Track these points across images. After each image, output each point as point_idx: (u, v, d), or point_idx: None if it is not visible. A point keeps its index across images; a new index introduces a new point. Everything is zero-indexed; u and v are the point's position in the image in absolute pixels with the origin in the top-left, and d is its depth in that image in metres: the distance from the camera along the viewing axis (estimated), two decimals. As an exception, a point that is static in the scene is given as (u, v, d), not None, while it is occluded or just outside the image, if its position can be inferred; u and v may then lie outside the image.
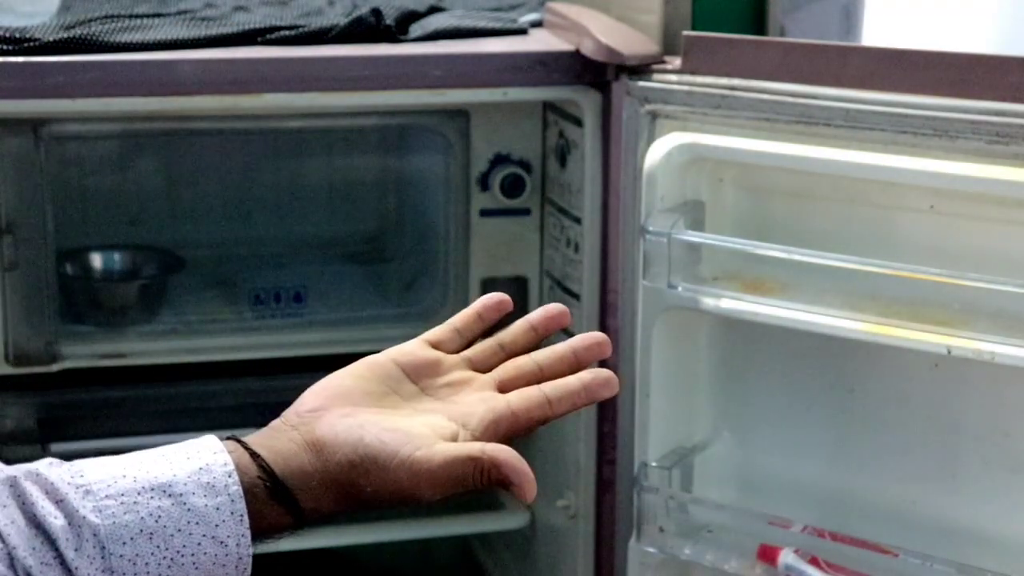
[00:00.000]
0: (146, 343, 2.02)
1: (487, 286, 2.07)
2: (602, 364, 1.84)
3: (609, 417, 1.79)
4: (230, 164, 2.16)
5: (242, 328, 2.08)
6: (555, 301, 1.97)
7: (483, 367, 1.08)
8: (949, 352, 1.37)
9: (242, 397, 2.12)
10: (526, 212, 2.04)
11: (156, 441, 2.26)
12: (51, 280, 1.96)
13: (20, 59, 1.67)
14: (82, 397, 2.05)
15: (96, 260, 2.10)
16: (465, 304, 2.05)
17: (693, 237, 1.53)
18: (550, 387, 1.03)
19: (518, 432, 1.01)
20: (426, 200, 2.14)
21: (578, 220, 1.86)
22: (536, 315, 1.10)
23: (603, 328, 1.79)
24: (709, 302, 1.52)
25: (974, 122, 1.37)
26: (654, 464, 1.59)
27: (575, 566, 1.90)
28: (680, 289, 1.53)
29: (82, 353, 1.98)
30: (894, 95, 1.43)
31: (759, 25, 1.93)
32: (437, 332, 1.10)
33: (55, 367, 1.95)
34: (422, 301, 2.13)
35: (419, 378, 1.06)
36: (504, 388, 1.05)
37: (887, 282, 1.42)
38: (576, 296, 1.89)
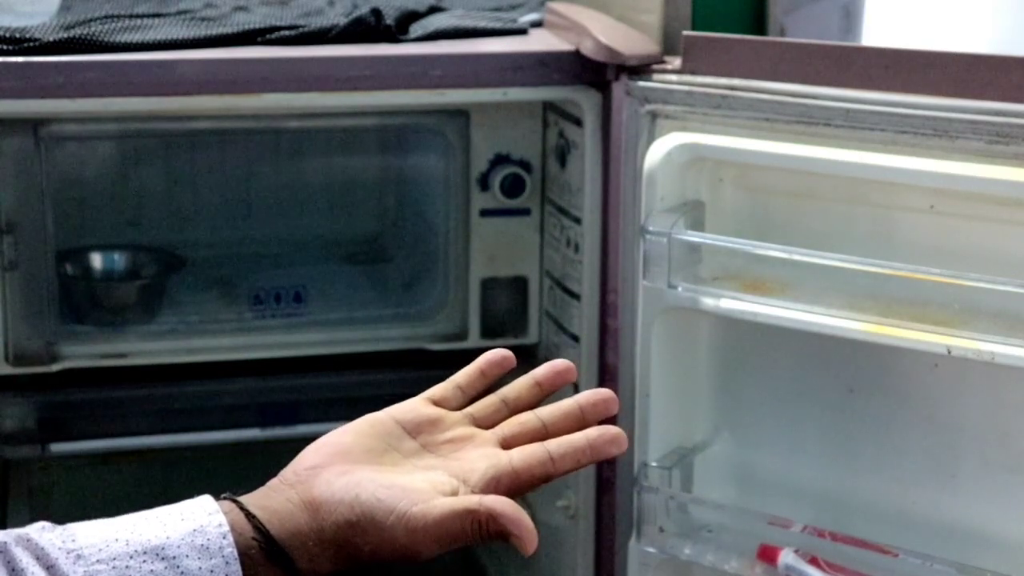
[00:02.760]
0: (146, 343, 2.02)
1: (487, 286, 2.07)
2: (602, 363, 1.85)
3: (609, 418, 1.78)
4: (230, 164, 2.16)
5: (242, 328, 2.08)
6: (555, 300, 1.99)
7: (486, 423, 1.07)
8: (949, 352, 1.37)
9: (242, 397, 2.12)
10: (526, 212, 2.04)
11: (156, 441, 2.25)
12: (51, 280, 1.96)
13: (20, 59, 1.67)
14: (82, 397, 2.05)
15: (96, 260, 2.10)
16: (465, 304, 2.07)
17: (693, 237, 1.53)
18: (554, 444, 1.02)
19: (520, 489, 1.00)
20: (426, 200, 2.14)
21: (578, 220, 1.86)
22: (541, 371, 1.09)
23: (603, 328, 1.79)
24: (709, 302, 1.52)
25: (974, 122, 1.37)
26: (654, 464, 1.59)
27: (575, 566, 1.90)
28: (680, 289, 1.53)
29: (82, 353, 1.98)
30: (894, 95, 1.43)
31: (759, 25, 1.93)
32: (439, 389, 1.09)
33: (55, 367, 1.95)
34: (422, 301, 2.13)
35: (419, 435, 1.04)
36: (507, 445, 1.04)
37: (887, 282, 1.42)
38: (576, 296, 1.89)
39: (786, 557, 1.50)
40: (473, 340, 2.07)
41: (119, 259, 2.11)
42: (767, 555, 1.52)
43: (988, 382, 1.45)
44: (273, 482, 1.00)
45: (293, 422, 2.10)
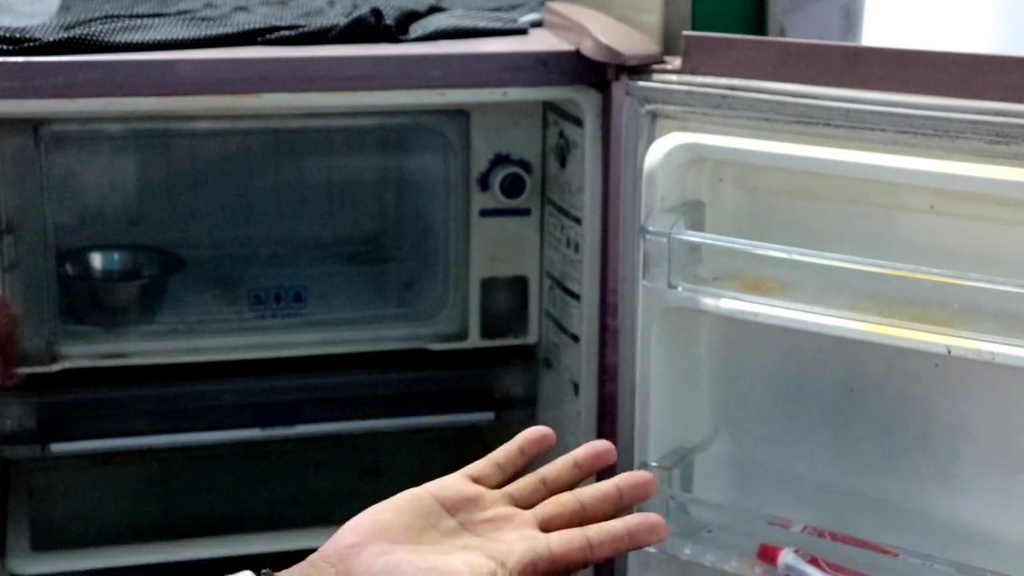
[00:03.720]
0: (146, 343, 2.02)
1: (487, 286, 2.07)
2: (601, 363, 1.84)
3: (609, 417, 1.78)
4: (230, 164, 2.16)
5: (242, 328, 2.08)
6: (555, 300, 1.99)
7: (525, 503, 1.07)
8: (949, 352, 1.37)
9: (242, 397, 2.12)
10: (526, 212, 2.04)
11: (156, 441, 2.25)
12: (51, 280, 1.96)
13: (20, 59, 1.67)
14: (82, 397, 2.05)
15: (96, 260, 2.10)
16: (465, 304, 2.07)
17: (693, 237, 1.53)
18: (593, 531, 1.03)
19: (557, 574, 1.01)
20: (426, 200, 2.14)
21: (578, 220, 1.86)
22: (581, 452, 1.10)
23: (603, 328, 1.79)
24: (709, 302, 1.52)
25: (974, 122, 1.37)
26: (654, 464, 1.59)
27: (575, 566, 1.90)
28: (680, 289, 1.53)
29: (82, 353, 1.98)
30: (894, 95, 1.43)
31: (759, 25, 1.93)
32: (478, 466, 1.09)
33: (55, 367, 1.95)
34: (422, 301, 2.13)
35: (459, 513, 1.05)
36: (546, 526, 1.04)
37: (887, 282, 1.42)
38: (576, 296, 1.89)
39: (786, 557, 1.50)
40: (473, 340, 2.07)
41: (119, 259, 2.11)
42: (767, 555, 1.52)
43: (988, 382, 1.45)
44: (313, 558, 1.00)
45: (293, 422, 2.09)
